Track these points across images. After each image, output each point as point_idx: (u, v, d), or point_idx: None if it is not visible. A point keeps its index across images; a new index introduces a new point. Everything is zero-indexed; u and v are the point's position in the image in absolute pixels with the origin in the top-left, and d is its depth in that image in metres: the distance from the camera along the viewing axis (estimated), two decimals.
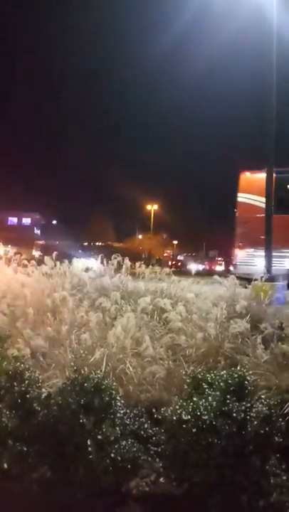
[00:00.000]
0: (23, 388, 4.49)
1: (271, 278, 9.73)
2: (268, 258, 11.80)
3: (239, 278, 8.56)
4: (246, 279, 9.07)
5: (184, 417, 4.00)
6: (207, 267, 64.60)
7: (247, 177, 17.86)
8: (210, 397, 4.14)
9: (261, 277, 8.42)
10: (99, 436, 4.05)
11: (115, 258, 8.95)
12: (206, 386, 4.38)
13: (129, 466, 4.05)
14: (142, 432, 4.36)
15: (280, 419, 4.13)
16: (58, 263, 8.66)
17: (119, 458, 4.00)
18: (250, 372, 4.70)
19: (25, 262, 9.13)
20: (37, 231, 75.08)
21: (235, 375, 4.29)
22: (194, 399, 4.18)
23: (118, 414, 4.31)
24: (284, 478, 3.88)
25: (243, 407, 3.95)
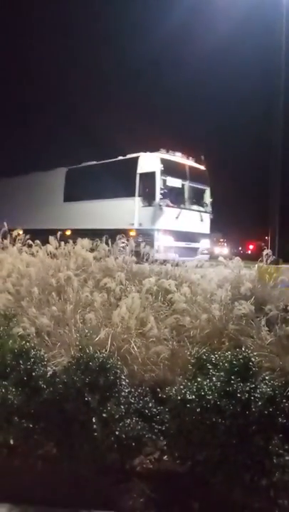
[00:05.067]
0: (28, 366, 4.53)
1: (276, 260, 9.71)
2: None
3: None
4: None
5: (188, 397, 4.03)
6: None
7: None
8: (214, 378, 4.17)
9: (267, 259, 8.40)
10: (104, 415, 4.09)
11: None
12: (210, 367, 4.41)
13: (133, 444, 4.09)
14: (147, 411, 4.38)
15: (284, 400, 4.15)
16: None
17: (123, 436, 4.04)
18: (255, 353, 4.71)
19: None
20: None
21: (240, 356, 4.31)
22: (198, 379, 4.20)
23: (123, 393, 4.34)
24: (287, 458, 3.89)
25: (248, 388, 3.97)
